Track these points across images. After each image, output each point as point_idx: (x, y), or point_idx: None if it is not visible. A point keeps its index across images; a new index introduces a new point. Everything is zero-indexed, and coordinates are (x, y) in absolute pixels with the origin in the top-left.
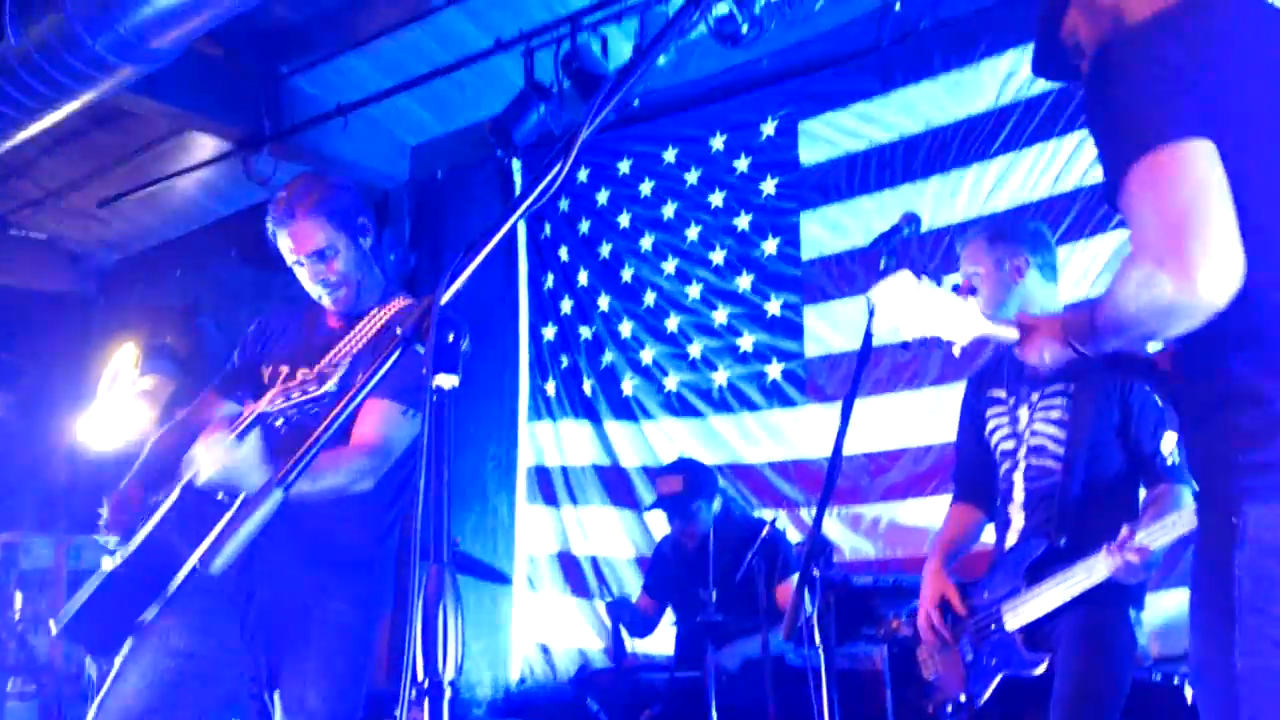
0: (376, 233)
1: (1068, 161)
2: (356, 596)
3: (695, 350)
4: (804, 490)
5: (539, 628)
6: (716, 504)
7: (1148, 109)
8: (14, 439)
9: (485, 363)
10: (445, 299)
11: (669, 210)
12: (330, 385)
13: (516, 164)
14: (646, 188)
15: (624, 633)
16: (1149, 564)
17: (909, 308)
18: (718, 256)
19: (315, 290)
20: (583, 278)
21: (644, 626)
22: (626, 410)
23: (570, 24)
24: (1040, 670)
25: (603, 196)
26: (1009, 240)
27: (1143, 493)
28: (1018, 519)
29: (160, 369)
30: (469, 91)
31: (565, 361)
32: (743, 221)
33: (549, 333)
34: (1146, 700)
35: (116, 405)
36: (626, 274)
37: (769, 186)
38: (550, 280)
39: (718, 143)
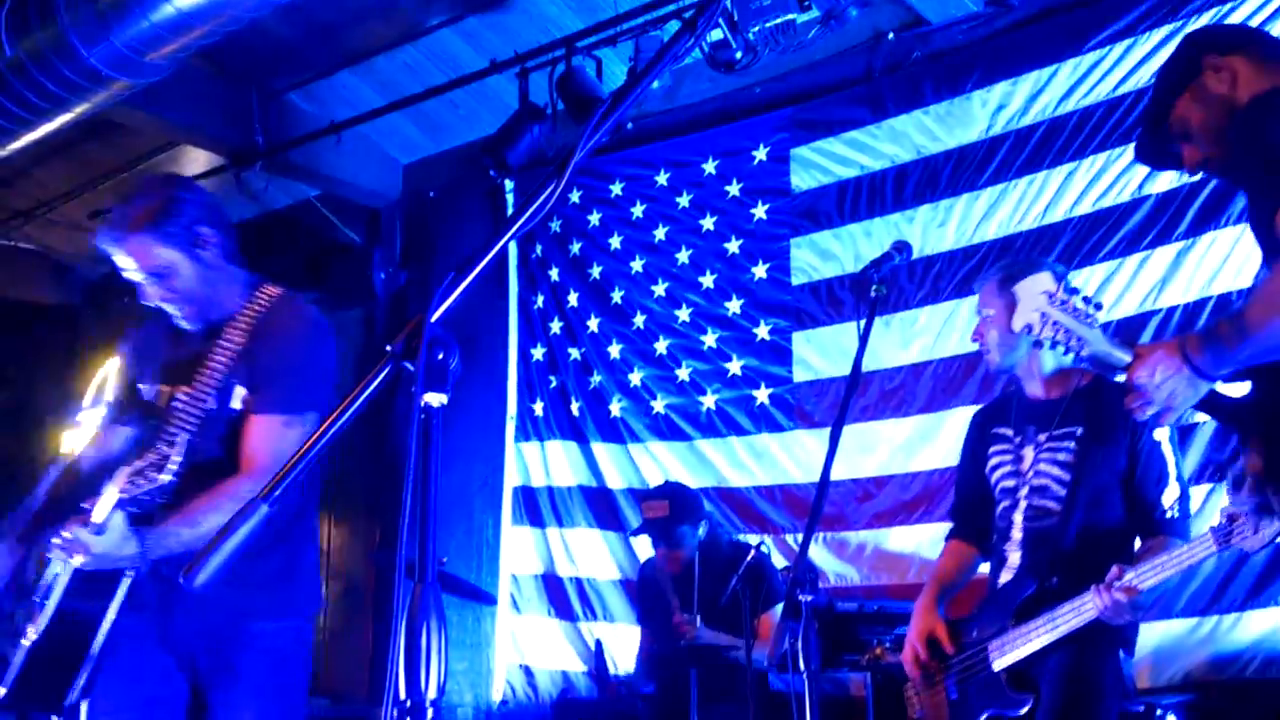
0: (222, 234)
1: (1057, 192)
2: (274, 608)
3: (684, 373)
4: (790, 515)
5: (522, 649)
6: (702, 529)
7: None
8: None
9: (473, 382)
10: (435, 317)
11: (660, 233)
12: (165, 477)
13: (509, 184)
14: (638, 211)
15: (609, 660)
16: (1137, 605)
17: (1041, 309)
18: (708, 280)
19: (162, 306)
20: (573, 299)
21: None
22: (614, 432)
23: (565, 47)
24: (1025, 711)
25: (594, 218)
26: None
27: (1138, 542)
28: (1013, 557)
29: None
30: (463, 111)
31: (554, 382)
32: (733, 246)
33: (538, 353)
34: None
35: (102, 417)
36: (616, 296)
37: (760, 212)
38: (540, 301)
39: (710, 167)
